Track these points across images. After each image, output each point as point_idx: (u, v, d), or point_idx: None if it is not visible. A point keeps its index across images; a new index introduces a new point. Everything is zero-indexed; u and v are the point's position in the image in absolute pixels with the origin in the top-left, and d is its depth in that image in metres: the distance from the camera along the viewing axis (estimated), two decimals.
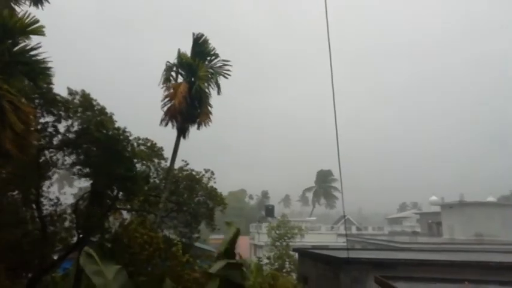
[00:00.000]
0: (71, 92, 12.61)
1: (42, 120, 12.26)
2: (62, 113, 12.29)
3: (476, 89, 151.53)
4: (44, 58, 8.63)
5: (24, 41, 8.50)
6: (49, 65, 9.00)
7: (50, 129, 12.40)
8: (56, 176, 13.98)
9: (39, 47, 8.51)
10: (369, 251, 19.33)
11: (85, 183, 15.34)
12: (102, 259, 7.87)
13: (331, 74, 5.65)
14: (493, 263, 11.21)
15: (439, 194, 39.30)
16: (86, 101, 12.54)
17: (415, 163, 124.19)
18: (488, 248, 20.29)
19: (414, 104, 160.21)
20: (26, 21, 8.02)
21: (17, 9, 10.95)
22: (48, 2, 12.14)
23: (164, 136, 16.16)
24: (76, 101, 12.52)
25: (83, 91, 12.72)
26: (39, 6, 11.89)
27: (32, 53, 8.51)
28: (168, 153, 15.14)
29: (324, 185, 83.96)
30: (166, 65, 15.09)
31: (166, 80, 14.99)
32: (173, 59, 15.22)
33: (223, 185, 17.53)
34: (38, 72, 8.65)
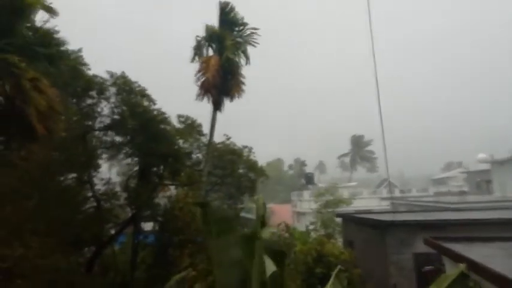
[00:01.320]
0: (112, 75, 12.98)
1: (84, 103, 12.78)
2: (101, 95, 12.71)
3: None
4: (63, 40, 8.52)
5: (44, 23, 8.33)
6: (77, 47, 9.00)
7: (94, 111, 12.92)
8: (104, 156, 14.70)
9: (58, 31, 8.37)
10: (415, 213, 18.97)
11: (131, 162, 16.04)
12: None
13: (370, 27, 5.35)
14: None
15: (486, 151, 37.45)
16: (126, 83, 12.90)
17: (457, 120, 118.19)
18: None
19: (454, 55, 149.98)
20: None
21: None
22: None
23: (198, 111, 16.38)
24: (116, 83, 12.90)
25: (123, 73, 13.05)
26: None
27: (54, 36, 8.38)
28: (205, 128, 15.39)
29: (360, 150, 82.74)
30: (196, 39, 15.06)
31: (198, 54, 14.99)
32: (202, 33, 15.16)
33: (259, 155, 17.79)
34: (57, 55, 8.51)
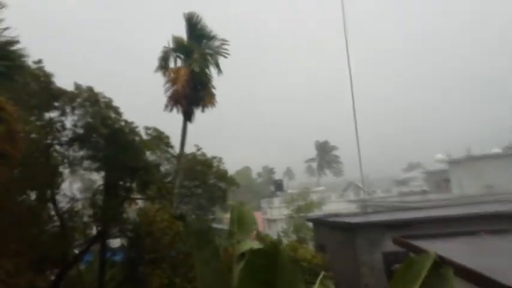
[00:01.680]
0: (78, 87, 12.62)
1: (46, 115, 12.28)
2: (67, 107, 12.29)
3: (477, 44, 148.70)
4: (23, 53, 8.09)
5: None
6: (39, 57, 8.56)
7: (57, 125, 12.46)
8: (67, 171, 14.15)
9: (17, 41, 7.93)
10: (382, 213, 19.60)
11: (96, 177, 15.56)
12: None
13: (346, 39, 5.55)
14: (506, 212, 11.39)
15: (444, 151, 39.48)
16: (92, 95, 12.57)
17: (415, 123, 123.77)
18: (499, 198, 20.52)
19: (411, 61, 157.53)
20: None
21: None
22: None
23: (168, 123, 16.21)
24: (81, 95, 12.54)
25: (89, 87, 12.74)
26: None
27: (13, 48, 7.92)
28: (176, 138, 15.26)
29: (326, 155, 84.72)
30: (163, 50, 15.01)
31: (164, 65, 14.94)
32: (168, 44, 15.13)
33: (228, 164, 17.86)
34: (17, 67, 8.06)
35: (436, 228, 10.61)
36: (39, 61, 12.12)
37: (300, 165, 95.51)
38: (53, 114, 12.43)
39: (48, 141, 12.52)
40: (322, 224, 17.56)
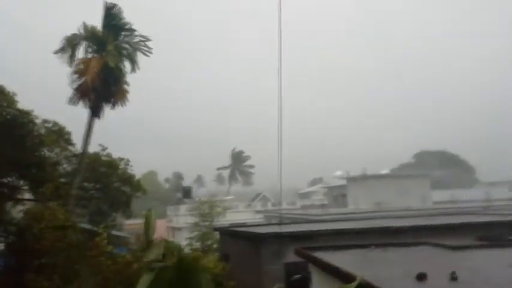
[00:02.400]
0: None
1: None
2: None
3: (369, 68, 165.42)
4: None
5: None
6: None
7: None
8: None
9: None
10: (286, 224, 20.40)
11: None
12: None
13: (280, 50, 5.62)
14: (393, 228, 12.72)
15: (344, 169, 42.97)
16: None
17: (324, 139, 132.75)
18: (386, 214, 22.95)
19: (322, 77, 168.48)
20: None
21: None
22: None
23: (71, 117, 14.81)
24: None
25: None
26: None
27: None
28: (77, 134, 13.93)
29: (239, 164, 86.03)
30: (70, 36, 13.62)
31: (72, 54, 13.62)
32: (78, 31, 13.85)
33: (136, 167, 16.80)
34: None
35: (334, 240, 11.35)
36: None
37: (213, 174, 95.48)
38: None
39: None
40: (228, 234, 17.61)
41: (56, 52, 13.23)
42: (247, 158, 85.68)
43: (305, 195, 69.32)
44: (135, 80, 14.78)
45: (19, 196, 13.19)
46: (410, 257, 8.20)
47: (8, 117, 10.91)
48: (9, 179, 12.30)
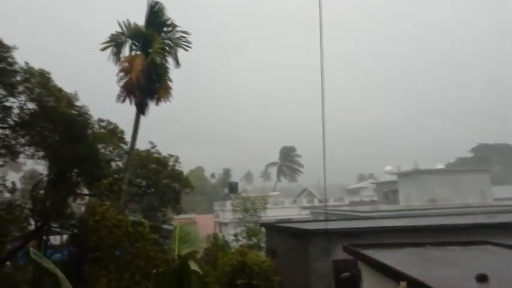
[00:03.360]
0: (29, 67, 11.55)
1: None
2: (15, 89, 11.26)
3: (424, 57, 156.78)
4: None
5: None
6: None
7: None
8: (7, 159, 12.94)
9: None
10: (334, 221, 19.99)
11: (35, 166, 14.44)
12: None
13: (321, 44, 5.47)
14: (449, 225, 11.98)
15: (394, 164, 41.29)
16: (43, 78, 11.56)
17: (372, 134, 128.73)
18: (442, 212, 21.71)
19: (365, 72, 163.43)
20: None
21: None
22: None
23: (120, 115, 15.42)
24: (29, 77, 11.52)
25: (41, 69, 11.72)
26: None
27: None
28: (128, 132, 14.49)
29: (287, 160, 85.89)
30: (114, 34, 13.95)
31: (117, 52, 13.95)
32: (122, 29, 14.14)
33: (182, 162, 17.15)
34: None
35: (384, 238, 10.92)
36: None
37: (263, 170, 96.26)
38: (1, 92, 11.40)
39: None
40: (275, 230, 17.58)
41: (102, 49, 13.58)
42: (297, 155, 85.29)
43: (353, 191, 67.63)
44: (183, 79, 15.19)
45: (78, 191, 14.05)
46: (469, 257, 7.64)
47: (68, 116, 11.57)
48: (69, 175, 13.10)
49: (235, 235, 25.62)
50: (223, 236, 24.39)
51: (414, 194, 31.12)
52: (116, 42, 13.83)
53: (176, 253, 4.03)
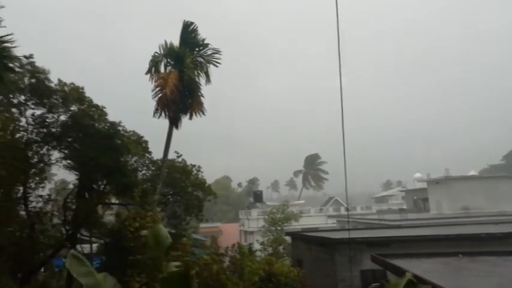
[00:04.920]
0: (62, 84, 12.36)
1: (31, 112, 12.11)
2: (54, 105, 12.03)
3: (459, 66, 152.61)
4: (10, 51, 7.90)
5: None
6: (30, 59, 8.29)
7: (38, 122, 12.19)
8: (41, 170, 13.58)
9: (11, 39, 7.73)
10: (361, 230, 19.58)
11: (66, 177, 15.04)
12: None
13: (339, 55, 5.45)
14: (484, 234, 11.48)
15: (423, 171, 40.10)
16: (77, 93, 12.28)
17: (396, 141, 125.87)
18: (475, 220, 20.84)
19: (394, 81, 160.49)
20: None
21: None
22: None
23: (150, 128, 15.93)
24: (63, 92, 12.27)
25: (73, 84, 12.47)
26: None
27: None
28: (157, 143, 14.99)
29: (312, 168, 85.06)
30: (154, 55, 14.93)
31: (155, 70, 14.86)
32: (160, 49, 15.12)
33: (208, 172, 17.49)
34: (6, 67, 7.80)
35: (414, 248, 10.58)
36: (30, 56, 11.95)
37: (289, 179, 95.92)
38: (39, 111, 12.28)
39: (30, 138, 12.29)
40: (301, 239, 17.39)
41: (147, 73, 14.83)
42: (322, 162, 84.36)
43: (381, 200, 66.05)
44: (211, 90, 15.64)
45: (107, 200, 14.46)
46: (505, 268, 7.27)
47: (98, 128, 12.14)
48: (98, 185, 13.52)
49: (262, 244, 25.54)
50: (251, 244, 24.39)
51: (446, 202, 30.04)
52: (154, 62, 14.61)
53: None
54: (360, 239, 12.64)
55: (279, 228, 29.81)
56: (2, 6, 7.18)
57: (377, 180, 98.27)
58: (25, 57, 11.62)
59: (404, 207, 44.53)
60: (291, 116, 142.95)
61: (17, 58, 8.40)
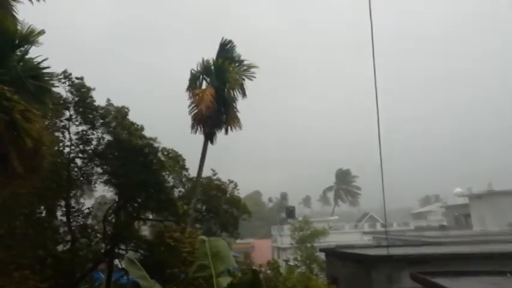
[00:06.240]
0: (109, 104, 13.07)
1: (76, 128, 12.82)
2: (99, 121, 12.71)
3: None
4: (52, 73, 8.45)
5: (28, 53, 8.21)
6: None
7: (83, 139, 12.88)
8: (83, 186, 14.22)
9: (47, 66, 8.24)
10: (399, 247, 18.88)
11: (105, 193, 15.63)
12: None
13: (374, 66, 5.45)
14: None
15: (463, 184, 38.31)
16: (120, 113, 12.91)
17: (433, 153, 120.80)
18: None
19: (436, 90, 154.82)
20: (27, 31, 7.73)
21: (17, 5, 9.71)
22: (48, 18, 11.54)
23: (186, 146, 16.35)
24: (112, 113, 12.96)
25: (118, 105, 13.22)
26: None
27: (43, 69, 8.25)
28: (193, 159, 15.31)
29: (345, 184, 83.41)
30: (191, 72, 15.37)
31: (192, 87, 15.29)
32: (197, 66, 15.53)
33: (241, 187, 17.54)
34: (45, 88, 8.35)
35: (456, 266, 10.08)
36: (81, 78, 12.84)
37: (320, 194, 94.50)
38: (83, 128, 13.00)
39: (73, 155, 12.96)
40: (335, 255, 16.98)
41: (187, 90, 15.34)
42: (354, 177, 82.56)
43: (419, 216, 63.53)
44: (245, 105, 15.86)
45: (144, 215, 14.86)
46: None
47: (138, 146, 12.66)
48: (137, 201, 13.96)
49: (296, 259, 25.17)
50: (287, 260, 24.12)
51: (490, 218, 28.48)
52: (192, 79, 15.29)
53: (212, 270, 3.97)
54: (398, 256, 12.18)
55: (308, 245, 29.30)
56: (43, 32, 7.78)
57: (413, 194, 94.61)
58: (76, 78, 12.64)
59: (445, 223, 42.62)
60: (320, 131, 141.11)
61: (68, 78, 8.98)
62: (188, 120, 15.02)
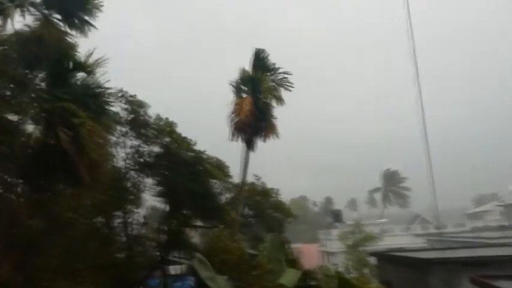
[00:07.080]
0: (159, 118, 13.88)
1: (130, 143, 13.65)
2: (151, 135, 13.49)
3: None
4: (110, 91, 9.12)
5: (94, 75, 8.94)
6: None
7: (137, 153, 13.68)
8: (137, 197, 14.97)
9: (109, 87, 8.92)
10: (454, 249, 18.02)
11: (155, 202, 16.32)
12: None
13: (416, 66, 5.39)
14: None
15: None
16: (168, 127, 13.62)
17: (483, 150, 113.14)
18: None
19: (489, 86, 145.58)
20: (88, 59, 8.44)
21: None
22: (93, 28, 10.49)
23: (226, 153, 16.77)
24: (160, 128, 13.72)
25: (167, 118, 13.93)
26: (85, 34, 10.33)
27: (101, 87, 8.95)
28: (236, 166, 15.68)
29: (393, 185, 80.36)
30: (234, 82, 15.88)
31: (232, 96, 15.81)
32: (231, 75, 16.01)
33: (284, 192, 17.68)
34: (103, 107, 9.01)
35: None
36: (135, 95, 13.76)
37: (366, 196, 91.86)
38: (136, 142, 13.82)
39: (128, 168, 13.76)
40: (387, 259, 16.52)
41: (228, 105, 15.85)
42: (403, 179, 79.31)
43: (475, 216, 59.97)
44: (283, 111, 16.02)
45: (193, 223, 15.38)
46: None
47: (186, 158, 13.29)
48: (187, 210, 14.52)
49: (346, 265, 24.68)
50: (338, 266, 23.76)
51: None
52: (233, 89, 15.91)
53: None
54: (455, 259, 11.67)
55: (360, 248, 28.57)
56: (107, 60, 8.50)
57: (465, 193, 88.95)
58: (130, 95, 13.52)
59: (505, 223, 39.93)
60: (362, 132, 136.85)
61: (123, 96, 9.63)
62: (220, 127, 15.52)
